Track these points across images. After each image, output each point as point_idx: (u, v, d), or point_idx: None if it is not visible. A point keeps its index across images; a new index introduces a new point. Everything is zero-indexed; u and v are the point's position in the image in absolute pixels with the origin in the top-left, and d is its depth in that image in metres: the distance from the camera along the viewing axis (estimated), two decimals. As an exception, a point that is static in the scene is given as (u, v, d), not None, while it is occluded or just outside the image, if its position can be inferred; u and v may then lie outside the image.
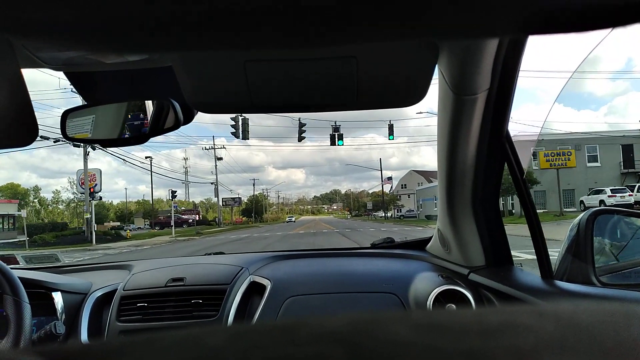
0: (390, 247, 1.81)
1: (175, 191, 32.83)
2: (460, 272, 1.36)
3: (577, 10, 0.24)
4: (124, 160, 32.41)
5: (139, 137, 1.05)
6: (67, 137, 1.01)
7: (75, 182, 25.54)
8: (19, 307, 1.13)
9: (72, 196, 66.55)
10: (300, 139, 18.88)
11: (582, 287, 1.02)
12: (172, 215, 33.44)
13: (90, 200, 23.80)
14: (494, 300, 1.19)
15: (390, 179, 56.80)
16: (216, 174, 47.77)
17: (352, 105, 1.02)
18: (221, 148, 49.25)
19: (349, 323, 0.24)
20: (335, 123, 19.99)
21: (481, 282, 1.24)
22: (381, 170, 51.47)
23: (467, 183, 1.22)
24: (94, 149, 22.40)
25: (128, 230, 34.36)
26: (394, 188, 67.21)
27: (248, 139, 19.47)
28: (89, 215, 23.72)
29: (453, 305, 1.21)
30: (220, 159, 49.05)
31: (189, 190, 71.90)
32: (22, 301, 1.14)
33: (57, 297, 1.35)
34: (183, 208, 60.93)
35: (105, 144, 1.03)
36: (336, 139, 19.81)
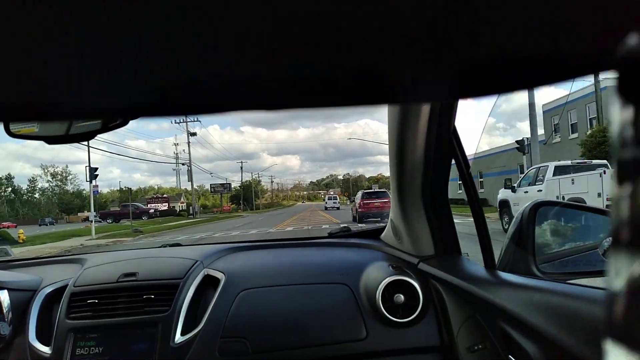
0: (347, 236, 1.93)
1: (96, 168, 21.96)
2: (410, 262, 1.49)
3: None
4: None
5: (87, 133, 1.15)
6: (11, 133, 1.10)
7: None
8: None
9: (47, 185, 66.50)
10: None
11: (521, 279, 1.14)
12: (92, 204, 23.19)
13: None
14: (441, 290, 1.32)
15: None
16: (189, 152, 44.88)
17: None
18: (194, 121, 46.62)
19: None
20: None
21: (429, 271, 1.37)
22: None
23: (417, 176, 1.34)
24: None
25: (21, 231, 22.41)
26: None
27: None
28: None
29: (401, 295, 1.34)
30: (194, 134, 46.83)
31: (179, 177, 71.64)
32: None
33: (3, 296, 1.38)
34: (149, 196, 58.98)
35: (52, 141, 1.13)
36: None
